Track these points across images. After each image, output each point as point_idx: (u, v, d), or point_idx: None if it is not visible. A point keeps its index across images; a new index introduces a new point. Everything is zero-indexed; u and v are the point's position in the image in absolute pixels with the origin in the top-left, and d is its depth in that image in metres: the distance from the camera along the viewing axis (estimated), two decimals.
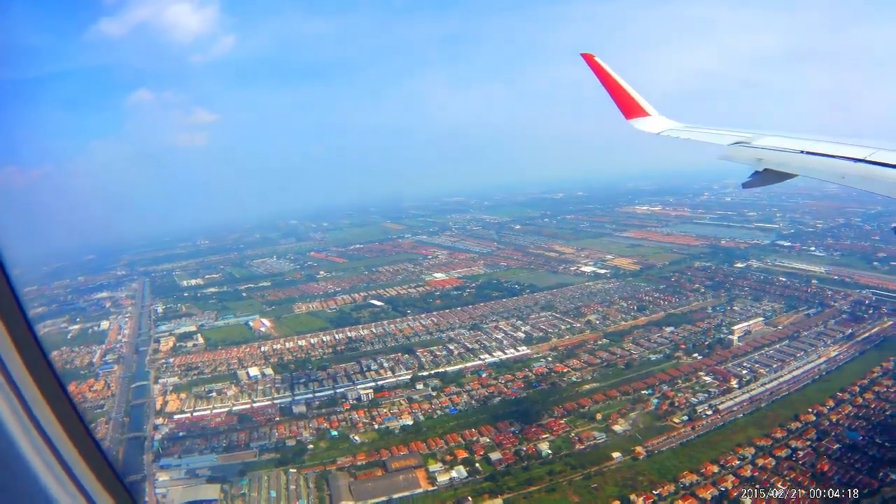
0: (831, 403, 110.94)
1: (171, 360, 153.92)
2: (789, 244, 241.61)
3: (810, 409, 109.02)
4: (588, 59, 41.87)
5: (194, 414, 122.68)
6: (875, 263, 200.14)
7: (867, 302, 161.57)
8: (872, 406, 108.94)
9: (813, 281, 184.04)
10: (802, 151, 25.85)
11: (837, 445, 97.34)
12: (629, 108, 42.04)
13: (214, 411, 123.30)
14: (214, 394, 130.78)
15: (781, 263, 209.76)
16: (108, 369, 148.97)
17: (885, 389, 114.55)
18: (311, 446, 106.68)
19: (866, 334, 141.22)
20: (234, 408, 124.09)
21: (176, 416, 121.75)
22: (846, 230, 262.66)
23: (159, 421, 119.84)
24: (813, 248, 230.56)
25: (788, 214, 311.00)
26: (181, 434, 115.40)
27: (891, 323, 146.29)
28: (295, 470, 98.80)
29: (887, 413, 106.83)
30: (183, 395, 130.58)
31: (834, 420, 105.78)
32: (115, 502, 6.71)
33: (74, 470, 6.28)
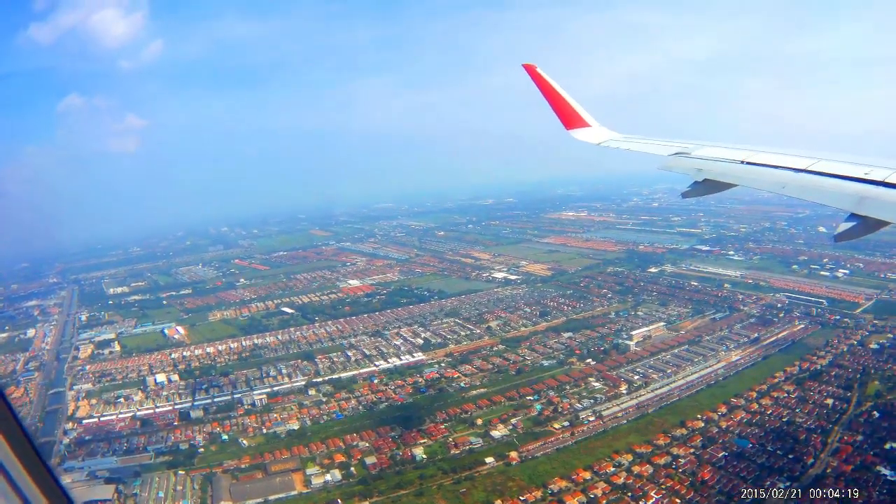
0: (723, 409, 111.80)
1: (88, 367, 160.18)
2: (708, 248, 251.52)
3: (699, 416, 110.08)
4: (530, 70, 41.78)
5: (102, 419, 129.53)
6: (794, 266, 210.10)
7: (779, 305, 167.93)
8: (769, 412, 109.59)
9: (725, 285, 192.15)
10: (743, 162, 26.12)
11: (723, 453, 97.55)
12: (569, 119, 42.15)
13: (120, 416, 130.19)
14: (122, 399, 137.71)
15: (696, 268, 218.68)
16: (29, 376, 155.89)
17: (786, 395, 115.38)
18: (202, 449, 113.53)
19: (773, 338, 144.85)
20: (139, 413, 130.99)
21: (85, 421, 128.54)
22: (770, 234, 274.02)
23: (69, 426, 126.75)
24: (732, 253, 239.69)
25: (713, 219, 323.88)
26: (87, 438, 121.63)
27: (801, 326, 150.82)
28: (184, 472, 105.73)
29: (784, 419, 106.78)
30: (94, 401, 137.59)
31: (724, 427, 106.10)
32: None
33: (11, 472, 6.40)
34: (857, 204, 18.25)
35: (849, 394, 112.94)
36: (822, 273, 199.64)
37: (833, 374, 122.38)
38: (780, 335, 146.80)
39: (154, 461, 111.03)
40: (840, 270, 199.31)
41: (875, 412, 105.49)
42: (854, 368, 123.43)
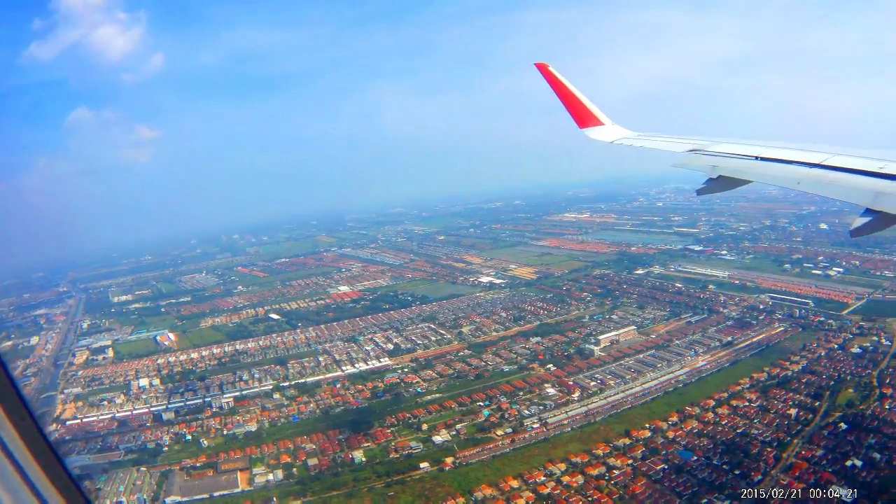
0: (675, 419, 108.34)
1: (81, 372, 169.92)
2: (701, 248, 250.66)
3: (647, 425, 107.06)
4: (542, 68, 41.50)
5: (83, 420, 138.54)
6: (786, 266, 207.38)
7: (761, 307, 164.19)
8: (724, 422, 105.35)
9: (710, 286, 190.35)
10: (758, 157, 25.86)
11: (663, 466, 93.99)
12: (582, 118, 41.97)
13: (100, 417, 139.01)
14: (105, 402, 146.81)
15: (684, 269, 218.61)
16: (26, 382, 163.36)
17: (746, 404, 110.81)
18: (166, 449, 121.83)
19: (748, 342, 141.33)
20: (117, 414, 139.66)
21: (68, 423, 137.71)
22: (768, 232, 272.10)
23: (53, 427, 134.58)
24: (724, 252, 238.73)
25: (714, 218, 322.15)
26: (67, 438, 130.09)
27: (780, 329, 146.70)
28: (146, 469, 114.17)
29: (738, 431, 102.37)
30: (80, 404, 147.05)
31: (670, 437, 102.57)
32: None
33: (28, 472, 6.44)
34: (873, 199, 18.33)
35: (817, 403, 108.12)
36: (814, 272, 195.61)
37: (804, 381, 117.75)
38: (755, 339, 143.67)
39: (123, 459, 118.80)
40: (833, 269, 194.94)
41: (843, 423, 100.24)
42: (829, 375, 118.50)
